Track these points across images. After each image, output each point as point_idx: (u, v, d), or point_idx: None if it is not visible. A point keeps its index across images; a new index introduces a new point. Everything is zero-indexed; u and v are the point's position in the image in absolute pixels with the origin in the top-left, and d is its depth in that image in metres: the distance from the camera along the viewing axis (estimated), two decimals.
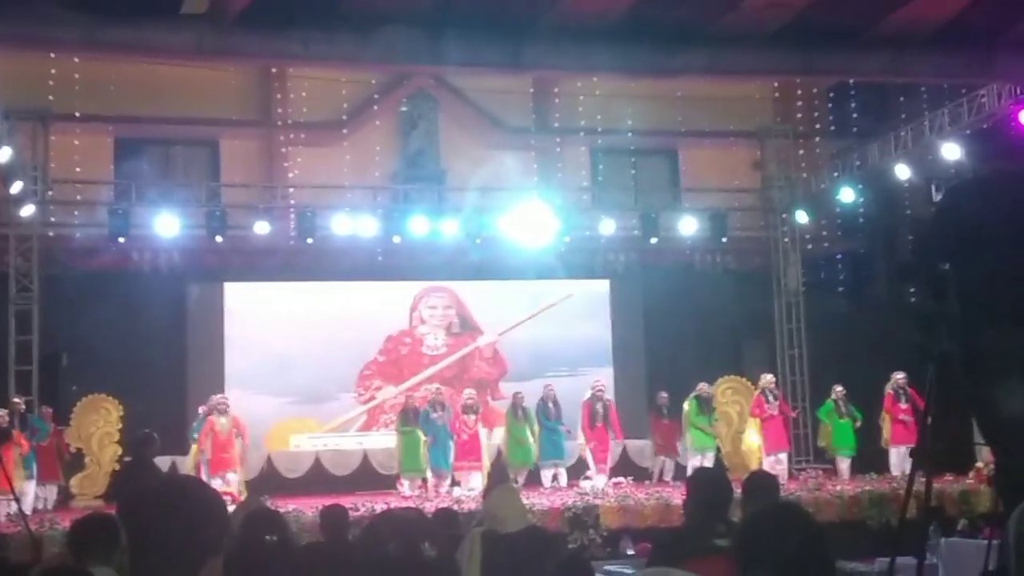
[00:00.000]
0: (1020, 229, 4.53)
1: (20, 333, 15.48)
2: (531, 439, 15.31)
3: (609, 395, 16.12)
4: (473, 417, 15.31)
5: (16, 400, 14.36)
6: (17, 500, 11.64)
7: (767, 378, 16.13)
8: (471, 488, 14.36)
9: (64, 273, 15.77)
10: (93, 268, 15.96)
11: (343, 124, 17.58)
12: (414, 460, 14.97)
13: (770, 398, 15.85)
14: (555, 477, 15.33)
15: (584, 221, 17.31)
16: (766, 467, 14.16)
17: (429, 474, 14.91)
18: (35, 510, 13.36)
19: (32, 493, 13.72)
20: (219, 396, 15.02)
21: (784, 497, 6.75)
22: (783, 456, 15.68)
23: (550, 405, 15.63)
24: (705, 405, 15.89)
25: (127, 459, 13.50)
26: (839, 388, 15.84)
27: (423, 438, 14.96)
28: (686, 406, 15.89)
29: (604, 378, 17.50)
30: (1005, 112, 14.26)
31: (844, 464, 15.61)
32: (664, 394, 16.24)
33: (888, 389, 15.43)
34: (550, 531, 8.06)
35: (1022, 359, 4.43)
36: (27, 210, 15.21)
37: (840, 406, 15.76)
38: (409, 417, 15.26)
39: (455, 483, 14.87)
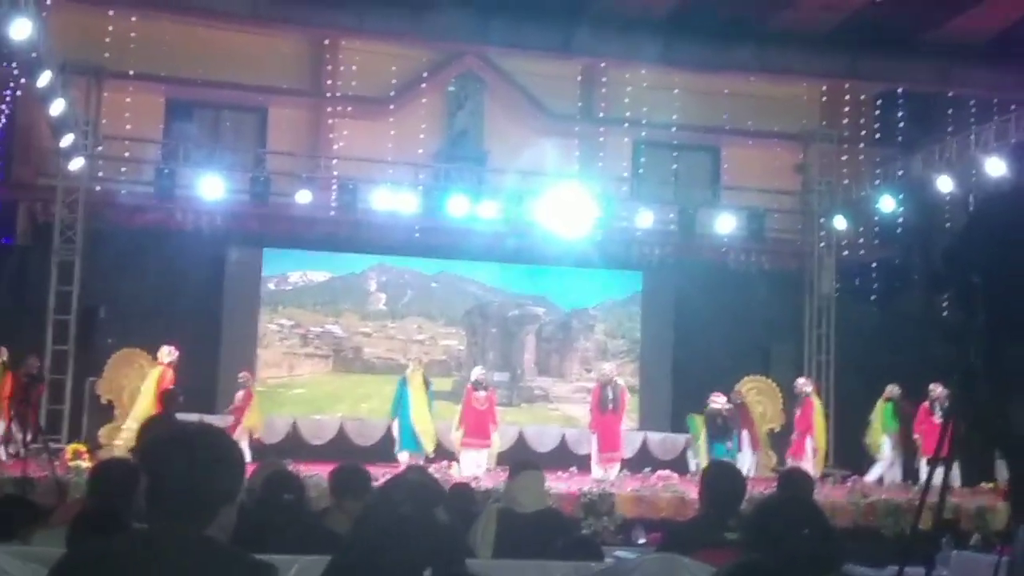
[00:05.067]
0: None
1: (61, 284, 15.79)
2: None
3: (622, 382, 15.76)
4: (483, 393, 15.19)
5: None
6: (46, 445, 11.95)
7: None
8: (478, 466, 14.42)
9: (108, 228, 16.01)
10: (136, 225, 16.21)
11: (390, 100, 17.71)
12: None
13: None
14: None
15: (622, 212, 17.35)
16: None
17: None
18: None
19: None
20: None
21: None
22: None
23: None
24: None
25: (153, 413, 13.80)
26: (896, 388, 15.68)
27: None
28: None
29: (631, 369, 17.70)
30: None
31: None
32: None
33: (926, 401, 15.25)
34: (565, 514, 8.17)
35: None
36: (76, 164, 15.44)
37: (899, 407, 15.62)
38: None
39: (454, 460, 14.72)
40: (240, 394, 15.05)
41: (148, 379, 14.45)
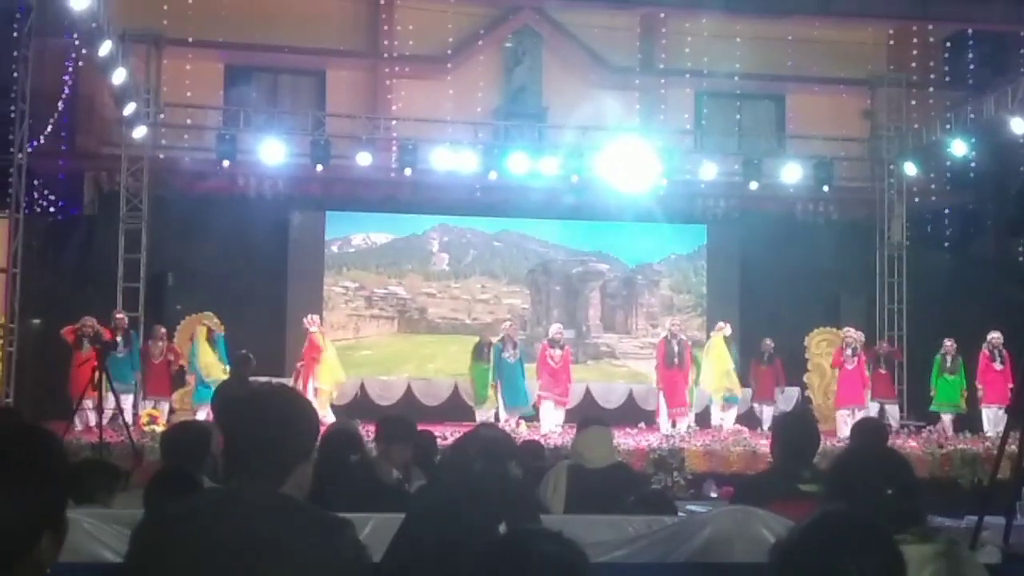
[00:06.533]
0: None
1: (128, 252, 16.00)
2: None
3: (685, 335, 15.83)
4: (559, 352, 15.20)
5: (119, 316, 14.77)
6: (121, 411, 12.15)
7: (850, 332, 15.59)
8: (554, 423, 14.44)
9: (172, 195, 16.19)
10: (200, 191, 16.37)
11: (447, 58, 17.61)
12: (485, 392, 15.11)
13: (849, 352, 15.52)
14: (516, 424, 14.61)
15: (685, 165, 17.09)
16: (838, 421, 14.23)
17: (503, 411, 14.90)
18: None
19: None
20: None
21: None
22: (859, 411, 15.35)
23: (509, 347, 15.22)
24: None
25: (225, 377, 13.94)
26: (948, 342, 15.42)
27: (490, 380, 14.99)
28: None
29: (698, 324, 17.53)
30: None
31: (948, 420, 15.29)
32: (768, 341, 16.01)
33: (984, 349, 15.05)
34: (634, 470, 8.14)
35: None
36: (139, 132, 15.60)
37: (947, 361, 15.40)
38: (482, 352, 15.35)
39: (532, 416, 14.85)
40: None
41: (327, 351, 14.92)
